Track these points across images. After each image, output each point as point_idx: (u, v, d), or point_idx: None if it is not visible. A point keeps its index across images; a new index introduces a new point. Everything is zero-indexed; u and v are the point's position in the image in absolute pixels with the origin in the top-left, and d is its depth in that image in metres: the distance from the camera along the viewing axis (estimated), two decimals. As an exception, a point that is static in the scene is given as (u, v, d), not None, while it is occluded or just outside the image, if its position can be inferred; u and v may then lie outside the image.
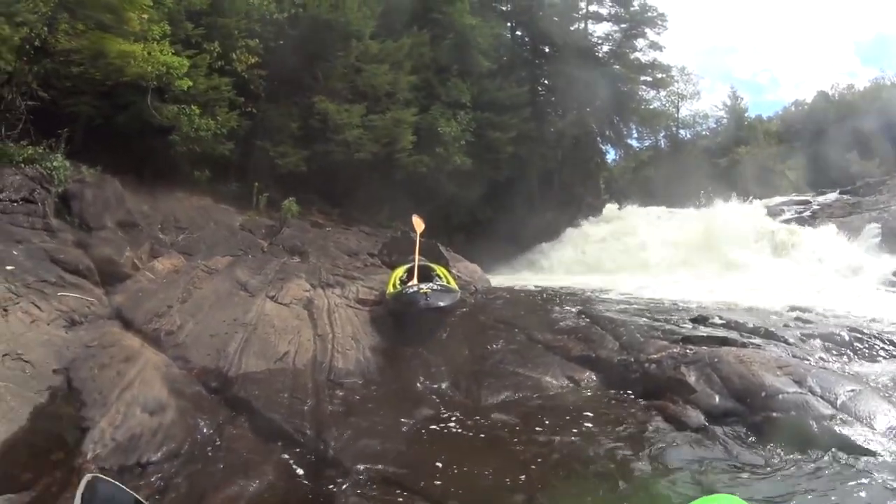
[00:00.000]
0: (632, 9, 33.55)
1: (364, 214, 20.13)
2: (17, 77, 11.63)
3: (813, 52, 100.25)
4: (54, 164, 10.50)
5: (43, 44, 11.76)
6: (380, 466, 5.69)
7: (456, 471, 5.60)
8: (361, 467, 5.66)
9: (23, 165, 10.19)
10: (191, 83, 14.15)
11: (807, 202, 30.64)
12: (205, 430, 6.17)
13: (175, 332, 8.06)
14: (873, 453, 5.57)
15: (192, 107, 14.62)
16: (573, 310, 11.11)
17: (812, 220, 26.09)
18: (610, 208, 34.27)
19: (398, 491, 5.24)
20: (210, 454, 5.83)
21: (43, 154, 10.65)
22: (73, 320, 7.77)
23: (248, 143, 17.47)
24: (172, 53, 13.61)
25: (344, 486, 5.36)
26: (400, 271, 11.33)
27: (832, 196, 30.50)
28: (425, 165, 21.30)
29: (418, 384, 8.01)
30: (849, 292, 15.47)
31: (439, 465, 5.68)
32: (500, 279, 19.31)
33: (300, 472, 5.68)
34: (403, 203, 18.24)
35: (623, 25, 33.69)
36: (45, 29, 11.63)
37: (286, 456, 5.95)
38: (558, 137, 29.40)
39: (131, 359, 6.66)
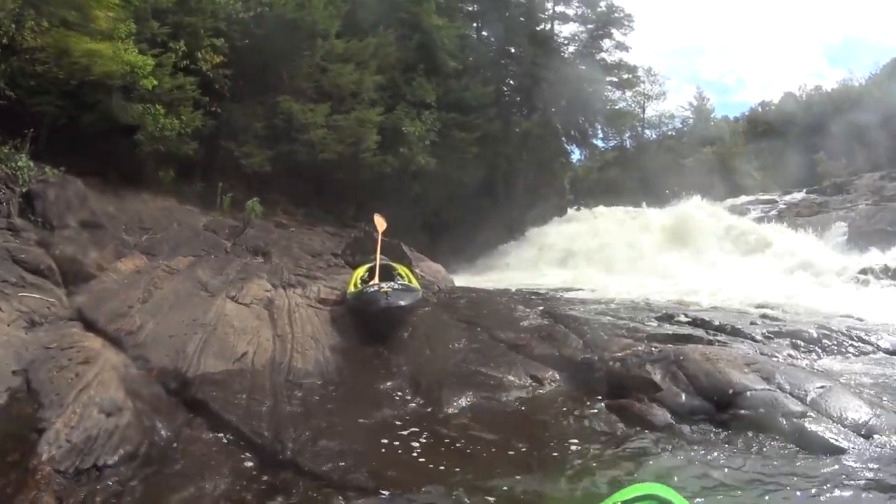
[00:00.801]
0: (598, 10, 33.92)
1: (329, 214, 20.18)
2: (-16, 76, 11.52)
3: (780, 54, 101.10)
4: (19, 164, 10.51)
5: (10, 41, 11.77)
6: (337, 467, 5.57)
7: (414, 472, 5.54)
8: (319, 469, 5.53)
9: (-14, 166, 10.13)
10: (156, 82, 14.15)
11: (773, 201, 30.97)
12: (162, 432, 6.02)
13: (135, 333, 7.90)
14: (843, 450, 5.52)
15: (157, 106, 14.61)
16: (537, 309, 11.06)
17: (779, 219, 26.40)
18: (575, 208, 34.52)
19: (353, 492, 5.16)
20: (167, 456, 5.69)
21: (8, 154, 10.65)
22: (34, 321, 7.71)
23: (213, 143, 17.48)
24: (137, 52, 13.58)
25: (301, 489, 5.27)
26: (361, 271, 11.33)
27: (799, 195, 30.85)
28: (390, 165, 21.35)
29: (379, 384, 7.86)
30: (816, 290, 15.70)
31: (397, 466, 5.62)
32: (464, 279, 19.27)
33: (257, 474, 5.55)
34: (368, 203, 18.32)
35: (589, 26, 34.02)
36: (13, 26, 11.64)
37: (243, 458, 5.83)
38: (523, 137, 29.52)
39: (90, 360, 6.54)
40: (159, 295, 9.21)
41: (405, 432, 6.43)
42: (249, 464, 5.72)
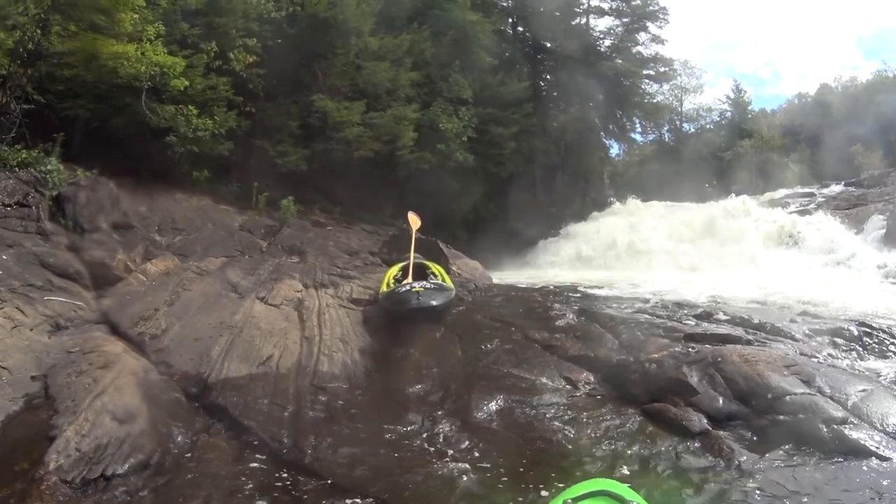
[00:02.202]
0: (633, 3, 33.51)
1: (366, 212, 20.12)
2: (12, 80, 11.60)
3: (814, 46, 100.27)
4: (48, 167, 10.46)
5: (37, 46, 11.73)
6: (358, 478, 5.50)
7: (438, 484, 5.36)
8: (338, 479, 5.46)
9: (17, 169, 10.15)
10: (187, 83, 14.12)
11: (811, 194, 30.54)
12: (179, 439, 5.91)
13: (159, 336, 7.86)
14: (887, 459, 5.29)
15: (190, 107, 14.58)
16: (573, 307, 10.68)
17: (817, 211, 26.04)
18: (614, 203, 34.29)
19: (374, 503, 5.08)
20: (181, 465, 5.56)
21: (37, 157, 10.60)
22: (59, 325, 7.66)
23: (248, 143, 17.53)
24: (166, 53, 13.57)
25: (318, 499, 5.17)
26: (395, 269, 11.15)
27: (837, 188, 30.38)
28: (427, 162, 21.26)
29: (407, 388, 7.63)
30: (855, 286, 15.29)
31: (421, 478, 5.45)
32: (502, 276, 19.10)
33: (274, 483, 5.46)
34: (406, 200, 18.13)
35: (625, 20, 33.67)
36: (39, 31, 11.60)
37: (261, 466, 5.74)
38: (561, 132, 29.36)
39: (109, 365, 6.42)
40: (187, 297, 9.13)
41: (431, 441, 6.31)
42: (267, 472, 5.61)
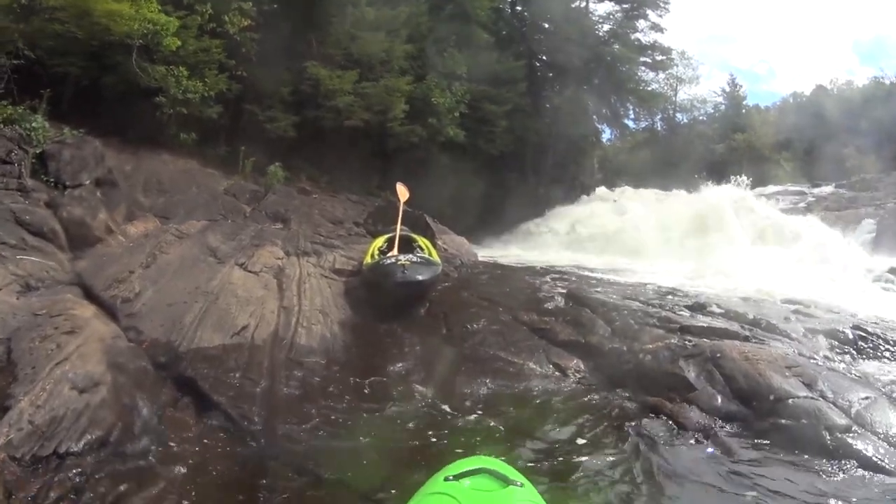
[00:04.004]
0: (634, -11, 33.27)
1: (353, 183, 19.98)
2: (3, 35, 11.50)
3: (812, 47, 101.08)
4: (34, 124, 10.37)
5: (30, 1, 11.64)
6: (330, 462, 5.20)
7: (415, 472, 4.86)
8: (309, 463, 5.17)
9: (1, 126, 10.11)
10: (179, 43, 14.09)
11: (802, 193, 30.85)
12: (143, 413, 5.52)
13: (132, 300, 7.58)
14: (891, 472, 5.08)
15: (181, 68, 14.52)
16: (562, 289, 10.63)
17: (807, 211, 26.14)
18: (603, 188, 34.29)
19: (345, 491, 4.84)
20: (142, 443, 5.17)
21: (23, 114, 10.54)
22: (29, 285, 7.46)
23: (238, 107, 17.48)
24: (161, 13, 13.49)
25: (287, 484, 4.88)
26: (380, 241, 10.96)
27: (828, 189, 30.75)
28: (417, 135, 21.16)
29: (388, 366, 7.39)
30: (844, 287, 15.11)
31: (398, 463, 5.16)
32: (488, 253, 19.24)
33: (243, 466, 5.14)
34: (394, 172, 17.99)
35: (624, 5, 33.27)
36: (34, -15, 11.43)
37: (229, 447, 5.40)
38: (554, 113, 29.25)
39: (76, 330, 6.09)
40: (163, 260, 8.95)
41: (411, 424, 6.06)
42: (235, 454, 5.33)
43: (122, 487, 4.55)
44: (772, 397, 6.10)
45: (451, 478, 2.27)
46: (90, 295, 7.68)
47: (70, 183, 9.75)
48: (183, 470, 4.89)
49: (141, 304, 7.54)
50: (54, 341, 5.75)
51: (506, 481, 2.25)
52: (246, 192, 14.94)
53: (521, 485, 2.27)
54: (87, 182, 10.05)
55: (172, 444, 5.30)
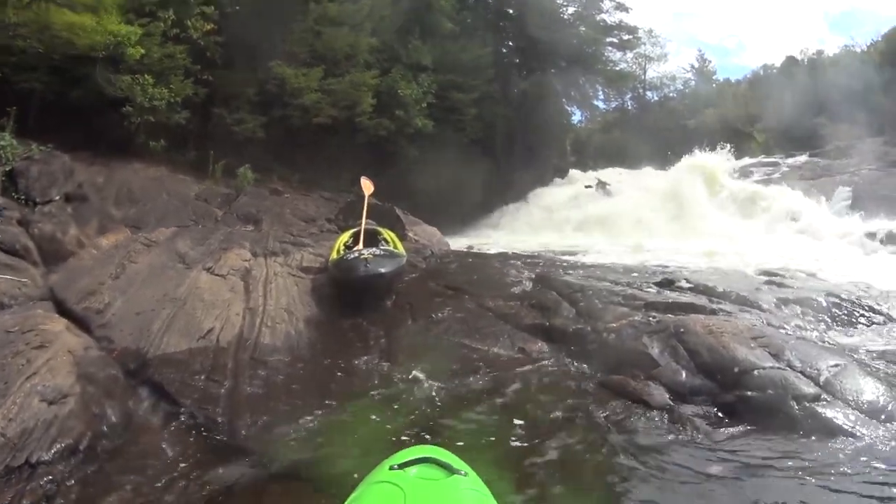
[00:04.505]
0: (597, -30, 33.33)
1: (325, 179, 20.15)
2: (-34, 54, 11.52)
3: (781, 19, 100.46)
4: (1, 143, 10.45)
5: (-8, 19, 11.65)
6: (292, 458, 5.11)
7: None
8: (272, 460, 5.09)
9: (-31, 146, 10.15)
10: (143, 51, 14.19)
11: (776, 164, 30.96)
12: (112, 420, 5.49)
13: (103, 311, 7.52)
14: (860, 438, 4.96)
15: (146, 76, 14.62)
16: (530, 274, 10.50)
17: (781, 181, 26.35)
18: (577, 170, 34.45)
19: (308, 485, 4.76)
20: (111, 449, 5.19)
21: (-10, 133, 10.60)
22: (2, 304, 7.32)
23: (205, 111, 17.55)
24: (123, 23, 13.59)
25: (251, 481, 4.83)
26: (345, 236, 10.94)
27: (802, 158, 30.79)
28: (385, 128, 21.39)
29: (353, 360, 7.22)
30: (820, 255, 15.48)
31: (360, 456, 4.88)
32: (462, 241, 19.23)
33: (209, 465, 5.03)
34: (365, 167, 18.03)
35: (589, -14, 33.48)
36: (-6, 3, 11.49)
37: (196, 448, 5.33)
38: (522, 98, 29.33)
39: (46, 344, 5.96)
40: (132, 270, 8.91)
41: (373, 416, 5.90)
42: (201, 455, 5.26)
43: (91, 491, 4.61)
44: (736, 369, 5.94)
45: (395, 467, 2.27)
46: (62, 309, 7.61)
47: (40, 199, 9.83)
48: (150, 472, 4.91)
49: (112, 315, 7.52)
50: (25, 356, 5.69)
51: (450, 470, 2.26)
52: (217, 195, 14.99)
53: (466, 474, 2.28)
54: (57, 198, 10.15)
55: (140, 447, 5.34)
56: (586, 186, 26.22)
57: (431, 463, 2.29)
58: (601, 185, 25.59)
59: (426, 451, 2.41)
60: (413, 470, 2.24)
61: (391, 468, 2.25)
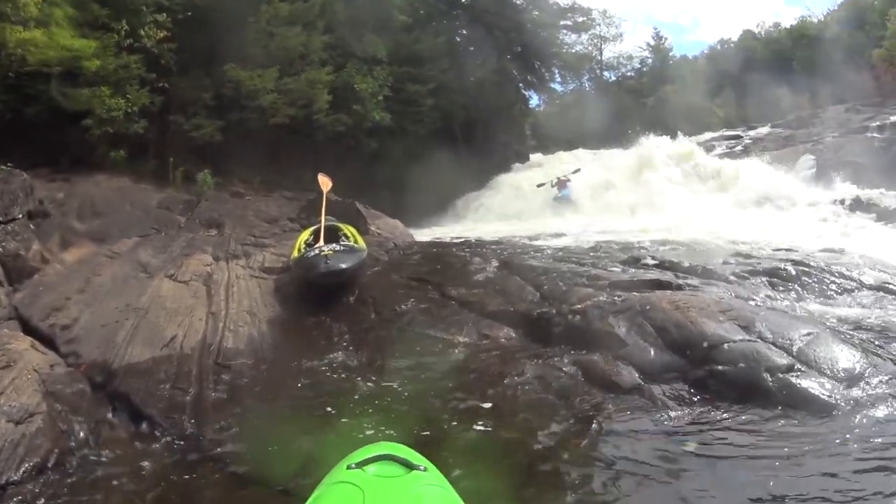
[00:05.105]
0: (547, -47, 33.42)
1: (286, 179, 20.11)
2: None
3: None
4: (-40, 165, 10.38)
5: (-61, 40, 11.63)
6: (256, 461, 5.15)
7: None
8: (236, 465, 5.13)
9: (-71, 170, 10.08)
10: (99, 63, 14.28)
11: (738, 137, 31.38)
12: (80, 436, 5.54)
13: (70, 326, 7.54)
14: (837, 407, 5.00)
15: (103, 88, 14.71)
16: (494, 260, 10.55)
17: (745, 153, 26.68)
18: (538, 154, 34.63)
19: (263, 488, 4.79)
20: (79, 465, 5.22)
21: (-54, 158, 10.53)
22: None
23: (163, 119, 17.55)
24: (77, 36, 13.68)
25: (218, 487, 4.88)
26: (306, 234, 11.11)
27: (764, 130, 31.20)
28: (344, 124, 21.47)
29: (316, 358, 7.33)
30: (788, 224, 15.83)
31: (326, 454, 3.99)
32: (426, 232, 19.34)
33: (176, 476, 5.07)
34: (326, 164, 18.02)
35: (539, -29, 33.56)
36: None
37: (163, 458, 5.38)
38: (479, 86, 29.30)
39: (11, 364, 6.03)
40: (97, 283, 8.92)
41: (340, 413, 5.94)
42: (168, 464, 5.30)
43: None
44: (705, 344, 5.98)
45: (353, 466, 2.27)
46: (28, 326, 7.68)
47: (2, 218, 9.76)
48: (120, 484, 4.97)
49: (78, 329, 7.55)
50: None
51: (409, 466, 2.27)
52: (179, 202, 15.00)
53: (425, 469, 2.29)
54: (20, 216, 10.10)
55: (109, 459, 5.38)
56: (539, 185, 25.91)
57: (389, 460, 2.32)
58: (560, 182, 25.36)
59: (384, 448, 2.45)
60: (371, 468, 2.25)
61: (349, 467, 2.27)
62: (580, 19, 35.65)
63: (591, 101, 46.69)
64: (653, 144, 27.20)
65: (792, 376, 5.36)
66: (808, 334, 6.00)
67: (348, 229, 11.40)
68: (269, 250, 11.27)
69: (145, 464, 5.29)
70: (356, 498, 2.02)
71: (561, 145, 36.84)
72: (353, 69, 22.57)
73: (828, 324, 6.79)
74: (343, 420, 5.82)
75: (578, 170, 25.73)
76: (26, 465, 4.94)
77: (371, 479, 2.17)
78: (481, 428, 5.40)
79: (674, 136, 29.20)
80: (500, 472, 4.63)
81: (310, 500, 2.15)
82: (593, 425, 5.24)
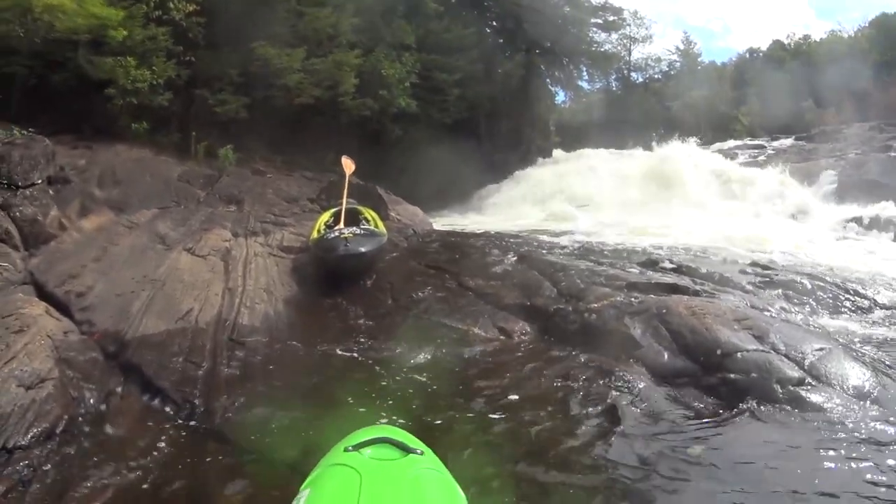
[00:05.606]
0: (582, -50, 33.11)
1: (308, 160, 20.04)
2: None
3: (767, 2, 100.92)
4: (-19, 128, 10.31)
5: (-30, 3, 11.53)
6: (267, 440, 5.18)
7: None
8: (247, 442, 5.16)
9: (-52, 133, 10.03)
10: (126, 33, 14.13)
11: (761, 147, 31.27)
12: (90, 403, 5.58)
13: (85, 294, 7.56)
14: (845, 423, 4.96)
15: (129, 58, 14.57)
16: (512, 253, 10.67)
17: (766, 164, 26.45)
18: (560, 150, 34.48)
19: (284, 469, 4.73)
20: (88, 432, 5.25)
21: (-28, 119, 10.45)
22: None
23: (188, 93, 17.41)
24: (105, 5, 13.57)
25: (228, 463, 4.89)
26: (326, 216, 11.13)
27: (787, 142, 31.13)
28: (369, 108, 21.28)
29: (331, 340, 7.35)
30: (805, 238, 15.62)
31: (331, 434, 3.91)
32: (445, 221, 19.57)
33: (184, 450, 5.10)
34: (348, 147, 17.89)
35: (574, -33, 33.29)
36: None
37: (173, 431, 5.40)
38: (506, 79, 29.26)
39: (24, 328, 6.07)
40: (114, 252, 8.96)
41: (351, 397, 5.97)
42: (178, 437, 5.33)
43: (68, 475, 4.68)
44: (719, 352, 6.03)
45: (350, 448, 2.28)
46: (43, 292, 7.67)
47: (22, 183, 9.76)
48: (127, 455, 4.97)
49: (93, 297, 7.55)
50: (4, 341, 5.78)
51: (405, 449, 2.28)
52: (200, 176, 14.93)
53: (422, 452, 2.32)
54: (39, 181, 10.08)
55: (118, 430, 5.41)
56: None
57: (386, 443, 2.34)
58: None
59: (381, 431, 2.48)
60: (368, 451, 2.27)
61: (346, 450, 2.29)
62: (611, 18, 35.20)
63: (616, 100, 46.55)
64: (676, 149, 27.00)
65: (802, 390, 5.41)
66: (821, 349, 6.03)
67: (369, 213, 11.45)
68: (288, 229, 11.31)
69: (154, 435, 5.32)
70: (353, 480, 2.05)
71: (584, 143, 36.63)
72: (381, 54, 22.38)
73: (840, 340, 6.77)
74: (354, 404, 5.84)
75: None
76: (34, 430, 4.95)
77: (368, 461, 2.20)
78: (489, 419, 5.45)
79: (701, 142, 28.99)
80: (502, 464, 4.69)
81: (307, 481, 2.22)
82: (602, 425, 5.27)
